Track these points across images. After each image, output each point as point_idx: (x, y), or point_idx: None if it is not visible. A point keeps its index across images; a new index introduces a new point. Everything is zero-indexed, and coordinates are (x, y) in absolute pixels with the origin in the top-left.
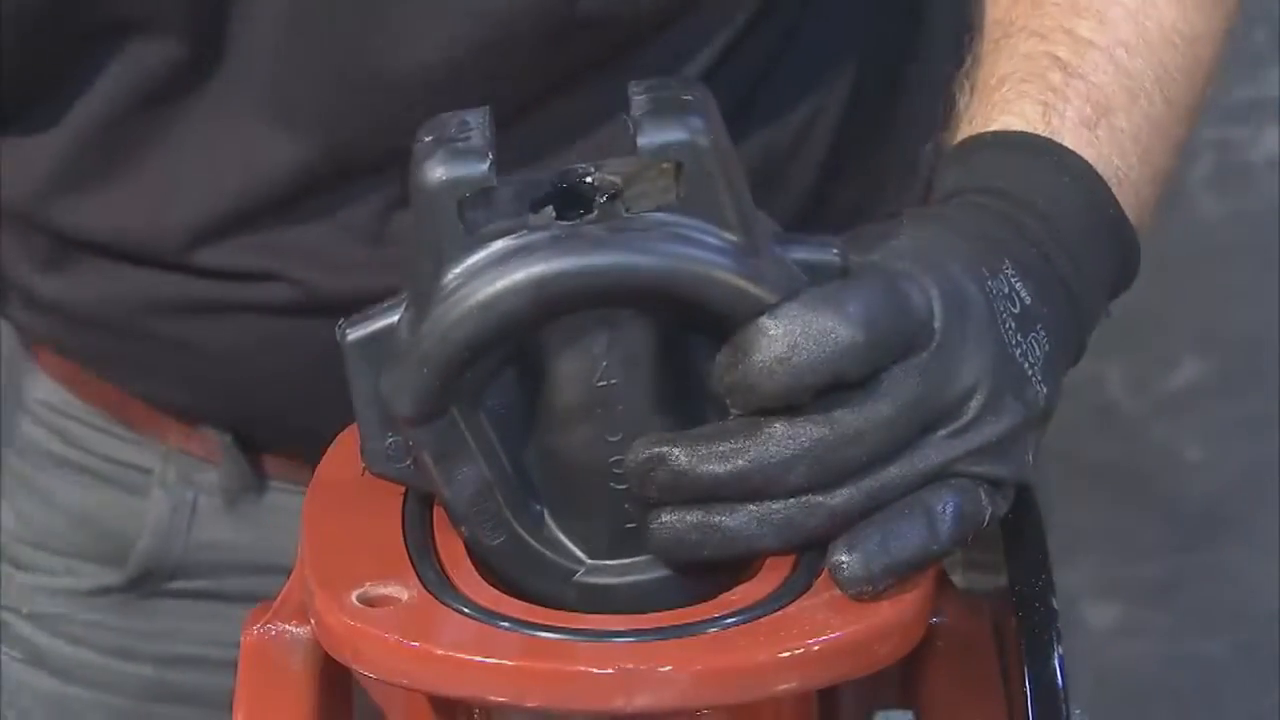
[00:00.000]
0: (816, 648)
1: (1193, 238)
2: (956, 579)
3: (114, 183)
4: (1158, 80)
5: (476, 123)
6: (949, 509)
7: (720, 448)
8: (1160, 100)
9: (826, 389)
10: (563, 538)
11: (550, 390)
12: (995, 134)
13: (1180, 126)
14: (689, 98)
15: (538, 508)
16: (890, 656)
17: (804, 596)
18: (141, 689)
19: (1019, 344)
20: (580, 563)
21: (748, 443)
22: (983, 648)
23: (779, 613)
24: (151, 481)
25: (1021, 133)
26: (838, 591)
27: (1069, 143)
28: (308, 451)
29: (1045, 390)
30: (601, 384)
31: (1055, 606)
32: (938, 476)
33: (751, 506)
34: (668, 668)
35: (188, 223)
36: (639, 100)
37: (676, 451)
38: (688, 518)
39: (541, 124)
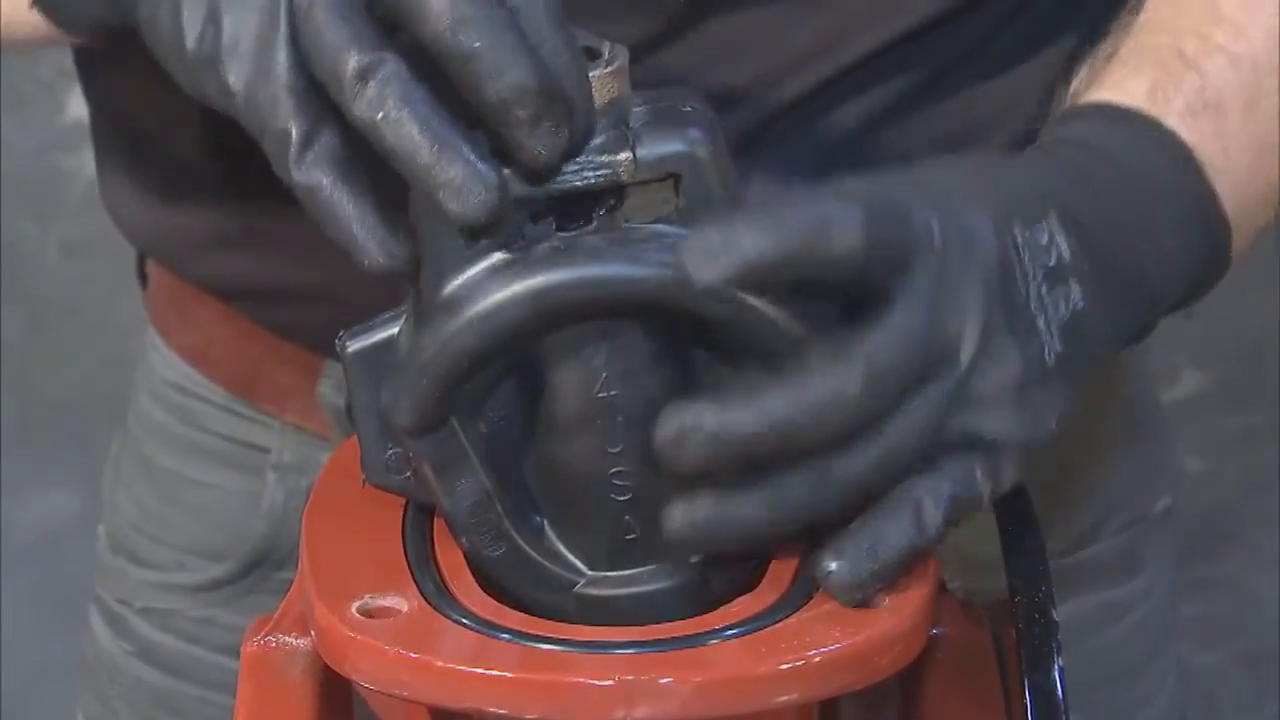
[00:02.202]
0: (817, 659)
1: None
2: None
3: None
4: None
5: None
6: (937, 502)
7: (753, 403)
8: (1278, 123)
9: (824, 293)
10: (563, 549)
11: (550, 401)
12: (1095, 104)
13: None
14: (688, 109)
15: (538, 519)
16: (891, 668)
17: (804, 608)
18: None
19: (1039, 297)
20: (580, 574)
21: (781, 391)
22: (983, 659)
23: (779, 625)
24: (268, 464)
25: (1122, 105)
26: (838, 603)
27: (1170, 124)
28: None
29: (1061, 349)
30: (602, 395)
31: (1055, 618)
32: (940, 437)
33: (764, 491)
34: (668, 679)
35: None
36: (638, 112)
37: (707, 415)
38: (698, 506)
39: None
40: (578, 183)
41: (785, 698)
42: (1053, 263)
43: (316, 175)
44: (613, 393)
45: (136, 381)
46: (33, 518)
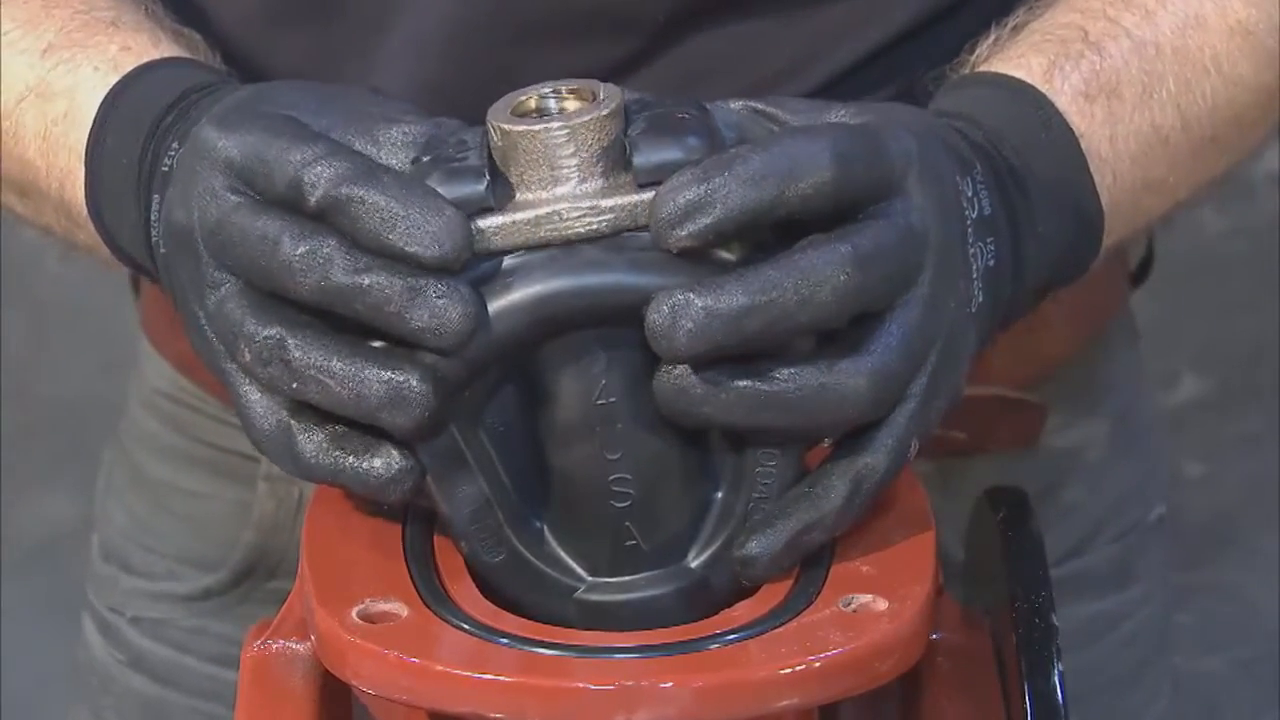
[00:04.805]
0: (818, 664)
1: (1193, 253)
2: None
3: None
4: (1179, 92)
5: (474, 142)
6: (864, 487)
7: (743, 283)
8: (1174, 112)
9: (799, 219)
10: (563, 555)
11: (550, 408)
12: (993, 74)
13: (1192, 149)
14: (686, 116)
15: (538, 525)
16: (891, 673)
17: (804, 613)
18: None
19: (973, 243)
20: (581, 580)
21: (770, 266)
22: (983, 664)
23: (779, 629)
24: (258, 473)
25: (1018, 79)
26: (839, 609)
27: (1062, 105)
28: None
29: (982, 300)
30: (601, 402)
31: (1055, 623)
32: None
33: (758, 383)
34: (668, 684)
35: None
36: (636, 119)
37: (697, 293)
38: (696, 374)
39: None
40: (581, 229)
41: (785, 702)
42: (976, 214)
43: (306, 462)
44: (612, 400)
45: (128, 390)
46: (33, 522)
